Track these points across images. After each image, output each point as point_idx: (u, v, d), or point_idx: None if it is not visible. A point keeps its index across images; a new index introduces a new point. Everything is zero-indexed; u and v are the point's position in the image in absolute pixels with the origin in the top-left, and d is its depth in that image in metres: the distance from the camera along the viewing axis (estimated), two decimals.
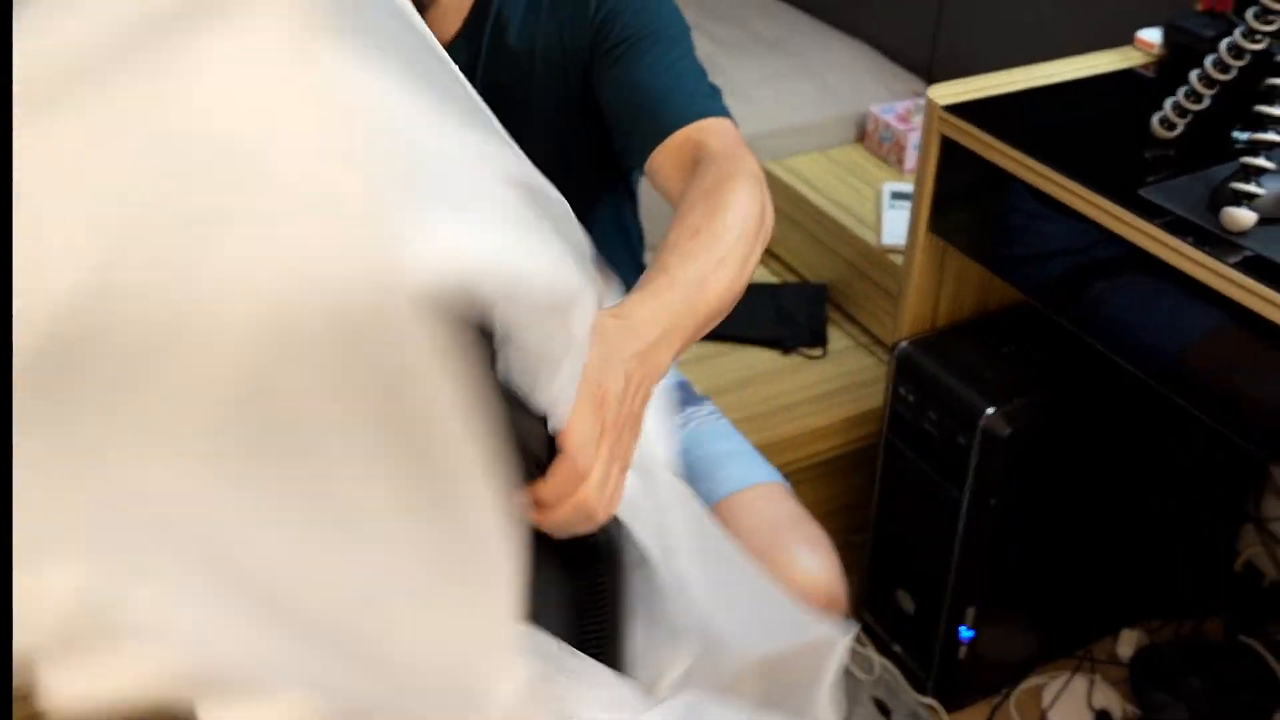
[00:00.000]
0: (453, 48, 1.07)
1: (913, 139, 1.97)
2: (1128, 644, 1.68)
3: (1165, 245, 1.10)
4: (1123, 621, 1.73)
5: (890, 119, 2.02)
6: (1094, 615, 1.71)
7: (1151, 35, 1.48)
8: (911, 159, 1.98)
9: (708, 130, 0.99)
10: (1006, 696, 1.63)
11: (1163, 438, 1.56)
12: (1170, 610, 1.74)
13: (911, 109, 2.04)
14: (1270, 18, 1.09)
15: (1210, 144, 1.23)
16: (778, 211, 1.92)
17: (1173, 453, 1.60)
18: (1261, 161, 1.06)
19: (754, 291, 1.85)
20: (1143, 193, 1.16)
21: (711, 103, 1.02)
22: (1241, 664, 1.58)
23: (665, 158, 1.00)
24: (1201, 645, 1.63)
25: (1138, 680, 1.61)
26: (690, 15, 1.16)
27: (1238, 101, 1.19)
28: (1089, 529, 1.57)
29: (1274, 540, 1.74)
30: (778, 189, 1.97)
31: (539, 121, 1.12)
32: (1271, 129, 1.06)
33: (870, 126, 2.06)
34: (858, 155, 2.06)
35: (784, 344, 1.82)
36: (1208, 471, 1.67)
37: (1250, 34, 1.12)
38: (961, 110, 1.34)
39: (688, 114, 1.00)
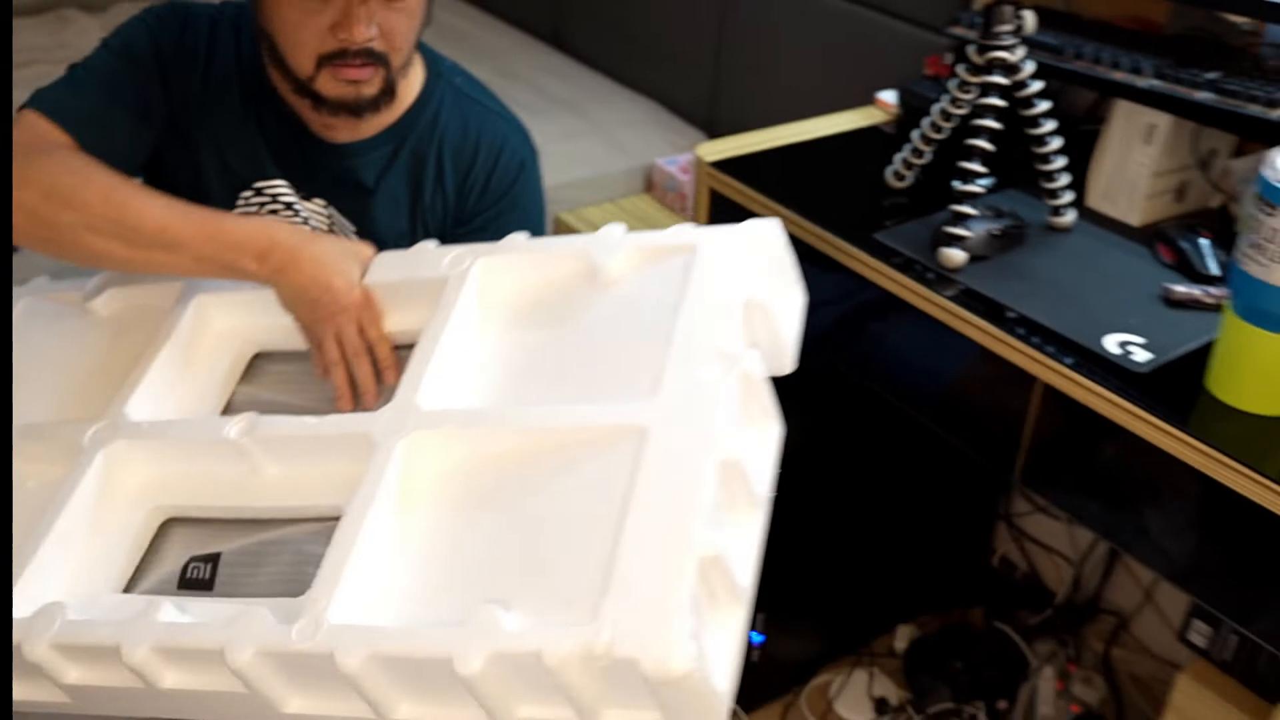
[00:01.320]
0: (368, 142, 1.19)
1: (694, 183, 2.14)
2: (903, 638, 1.87)
3: (896, 282, 1.28)
4: (898, 618, 1.91)
5: (674, 170, 2.19)
6: (872, 615, 1.89)
7: (889, 96, 1.69)
8: None
9: None
10: (798, 694, 1.79)
11: (919, 449, 1.75)
12: (938, 605, 1.94)
13: (694, 161, 2.21)
14: (968, 88, 1.29)
15: (934, 192, 1.42)
16: None
17: (930, 462, 1.79)
18: (967, 209, 1.25)
19: None
20: (877, 236, 1.33)
21: None
22: (996, 647, 1.79)
23: None
24: (963, 633, 1.83)
25: (910, 669, 1.80)
26: (486, 77, 1.29)
27: (955, 154, 1.39)
28: (862, 536, 1.75)
29: (1023, 536, 1.96)
30: None
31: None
32: (972, 182, 1.25)
33: (656, 177, 2.22)
34: (646, 204, 2.22)
35: None
36: (963, 477, 1.88)
37: (954, 101, 1.32)
38: (726, 166, 1.50)
39: None
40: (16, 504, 1.01)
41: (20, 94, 1.12)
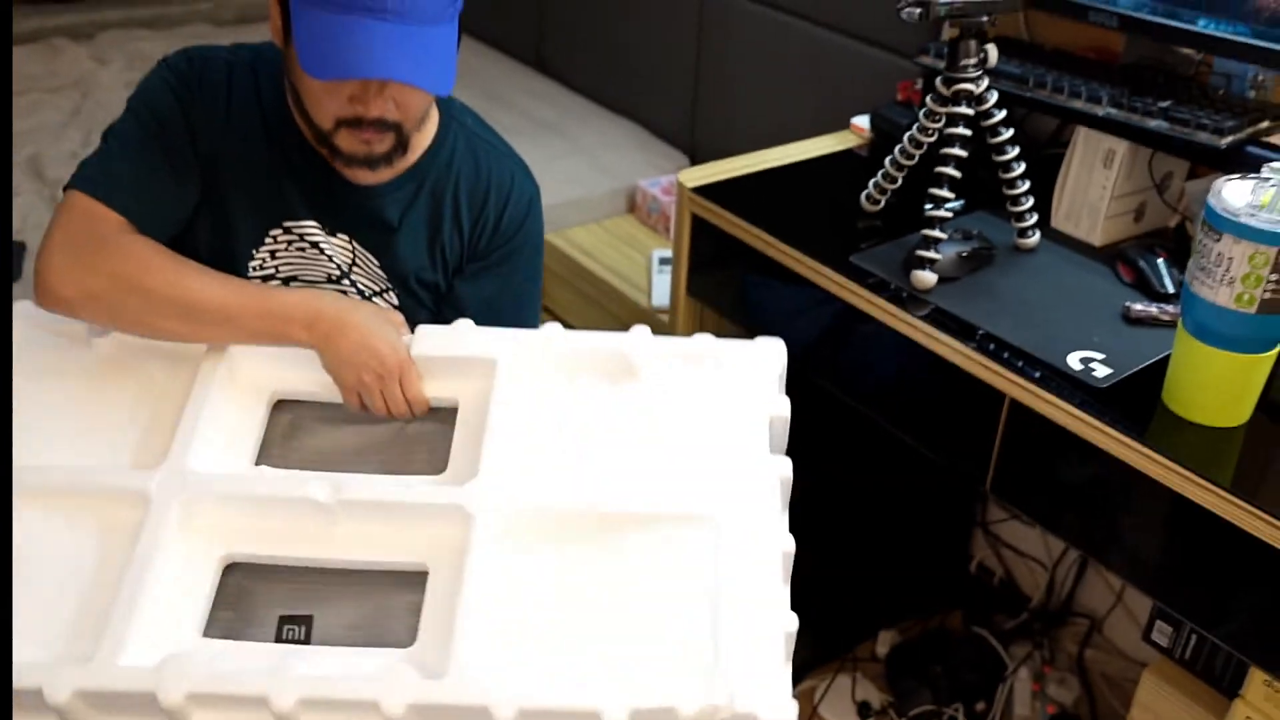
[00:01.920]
0: (391, 184, 1.25)
1: (676, 208, 2.20)
2: (885, 643, 1.93)
3: (871, 303, 1.34)
4: (880, 624, 1.97)
5: (656, 192, 2.25)
6: (855, 621, 1.95)
7: (863, 121, 1.76)
8: None
9: None
10: None
11: (898, 461, 1.81)
12: (919, 610, 2.00)
13: (676, 182, 2.27)
14: (936, 117, 1.35)
15: (906, 216, 1.48)
16: (558, 278, 2.15)
17: (909, 473, 1.86)
18: (936, 233, 1.32)
19: None
20: (853, 259, 1.40)
21: None
22: (974, 650, 1.85)
23: None
24: (943, 637, 1.89)
25: (892, 673, 1.86)
26: (473, 101, 1.35)
27: (925, 179, 1.45)
28: (845, 545, 1.80)
29: (999, 543, 2.03)
30: (557, 257, 2.16)
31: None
32: (941, 207, 1.32)
33: (639, 199, 2.28)
34: (629, 225, 2.28)
35: None
36: (941, 487, 1.94)
37: (923, 129, 1.38)
38: (707, 191, 1.56)
39: None
40: (83, 550, 1.03)
41: (21, 125, 1.16)
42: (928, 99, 1.36)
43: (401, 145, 1.18)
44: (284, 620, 1.04)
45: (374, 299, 1.30)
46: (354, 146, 1.16)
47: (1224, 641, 1.09)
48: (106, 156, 1.19)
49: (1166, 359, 1.17)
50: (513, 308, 1.34)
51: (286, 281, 1.28)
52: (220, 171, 1.22)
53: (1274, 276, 1.00)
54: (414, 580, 1.04)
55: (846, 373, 1.46)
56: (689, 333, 1.67)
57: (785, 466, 1.11)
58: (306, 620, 1.04)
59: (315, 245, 1.26)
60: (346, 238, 1.27)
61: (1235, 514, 1.03)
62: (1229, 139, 1.26)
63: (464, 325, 1.20)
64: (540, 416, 1.13)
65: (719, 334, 1.70)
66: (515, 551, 1.03)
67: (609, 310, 2.08)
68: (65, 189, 1.17)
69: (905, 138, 1.42)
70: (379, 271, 1.28)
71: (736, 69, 2.29)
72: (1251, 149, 1.27)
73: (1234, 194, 1.03)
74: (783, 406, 1.16)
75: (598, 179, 2.32)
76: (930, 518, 1.98)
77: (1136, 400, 1.15)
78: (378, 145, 1.16)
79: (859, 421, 1.59)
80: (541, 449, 1.10)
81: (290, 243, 1.26)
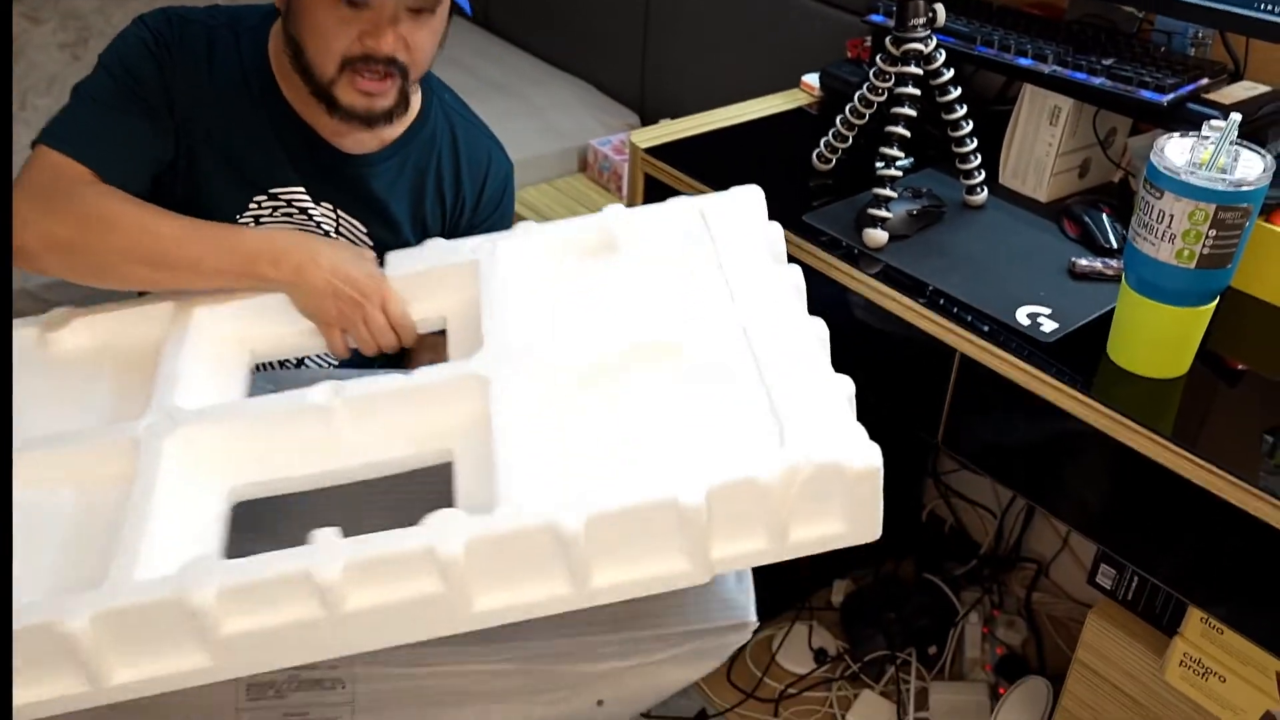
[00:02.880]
0: (378, 155, 1.25)
1: (628, 168, 2.20)
2: (839, 592, 1.97)
3: (823, 261, 1.36)
4: (835, 574, 2.02)
5: (608, 150, 2.25)
6: (811, 571, 1.99)
7: (813, 80, 1.77)
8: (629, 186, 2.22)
9: None
10: (742, 650, 1.88)
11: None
12: (872, 559, 2.05)
13: (626, 141, 2.27)
14: (885, 76, 1.37)
15: (857, 174, 1.50)
16: None
17: (864, 423, 1.89)
18: (887, 192, 1.34)
19: None
20: (805, 218, 1.42)
21: None
22: (926, 597, 1.90)
23: None
24: (896, 584, 1.94)
25: (846, 620, 1.90)
26: None
27: (876, 137, 1.47)
28: None
29: (950, 492, 2.08)
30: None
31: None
32: (892, 165, 1.34)
33: (591, 158, 2.28)
34: (580, 184, 2.29)
35: None
36: (892, 438, 1.98)
37: (873, 88, 1.40)
38: (658, 151, 1.57)
39: None
40: (84, 508, 0.97)
41: None
42: (877, 58, 1.37)
43: (403, 101, 1.17)
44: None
45: None
46: (354, 99, 1.14)
47: (1164, 583, 1.14)
48: (74, 111, 1.16)
49: (1111, 313, 1.20)
50: None
51: None
52: (198, 136, 1.20)
53: (1213, 232, 1.03)
54: (445, 490, 0.98)
55: None
56: None
57: (793, 273, 1.12)
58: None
59: (303, 211, 1.25)
60: (330, 206, 1.26)
61: (1175, 461, 1.07)
62: (1170, 96, 1.29)
63: (434, 243, 1.19)
64: (535, 300, 1.10)
65: None
66: (543, 406, 0.98)
67: None
68: (33, 144, 1.15)
69: (855, 97, 1.44)
70: (365, 240, 1.28)
71: (686, 27, 2.28)
72: (1192, 106, 1.31)
73: (1175, 152, 1.06)
74: (776, 233, 1.18)
75: (548, 139, 2.31)
76: (884, 465, 2.02)
77: (1082, 354, 1.18)
78: (379, 99, 1.14)
79: None
80: (547, 320, 1.08)
81: (276, 208, 1.25)
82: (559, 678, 1.06)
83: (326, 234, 1.27)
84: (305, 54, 1.14)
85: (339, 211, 1.26)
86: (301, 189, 1.24)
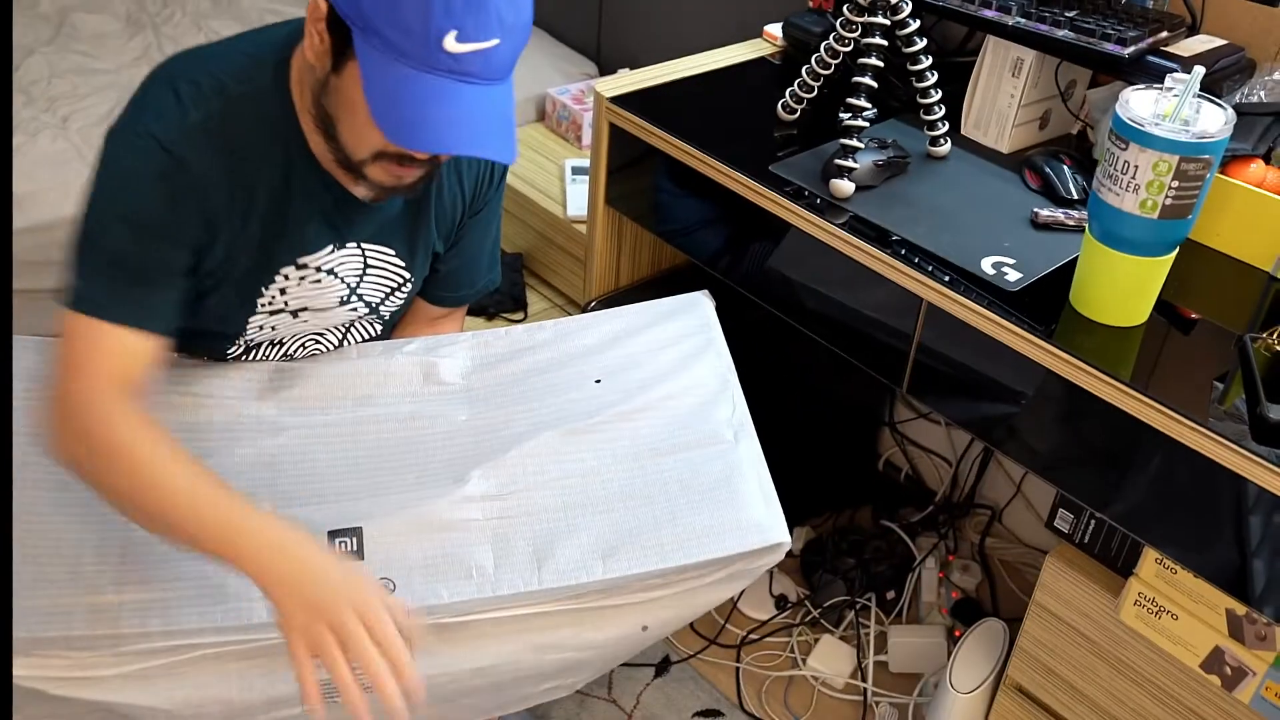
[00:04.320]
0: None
1: (587, 118, 2.19)
2: (798, 539, 2.01)
3: (790, 211, 1.37)
4: (794, 522, 2.04)
5: (566, 100, 2.23)
6: None
7: (776, 29, 1.77)
8: (588, 136, 2.20)
9: None
10: None
11: (812, 362, 1.87)
12: (830, 506, 2.08)
13: (585, 90, 2.26)
14: (851, 27, 1.37)
15: (822, 125, 1.51)
16: None
17: (822, 374, 1.92)
18: (854, 143, 1.35)
19: None
20: (772, 168, 1.42)
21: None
22: (884, 543, 1.94)
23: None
24: (854, 532, 1.97)
25: (806, 566, 1.94)
26: None
27: (840, 88, 1.48)
28: (761, 445, 1.86)
29: (906, 441, 2.11)
30: None
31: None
32: (859, 116, 1.34)
33: (549, 108, 2.26)
34: (539, 134, 2.26)
35: (488, 311, 2.01)
36: (852, 388, 2.01)
37: (840, 39, 1.40)
38: (624, 101, 1.56)
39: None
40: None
41: None
42: (844, 9, 1.37)
43: (428, 176, 1.10)
44: (333, 534, 1.08)
45: (389, 298, 1.28)
46: (386, 179, 1.08)
47: (1121, 524, 1.17)
48: (96, 274, 1.06)
49: (1073, 263, 1.22)
50: (497, 243, 1.37)
51: (296, 312, 1.22)
52: (222, 235, 1.10)
53: (1176, 183, 1.05)
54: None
55: (762, 279, 1.49)
56: (605, 243, 1.70)
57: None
58: (356, 532, 1.08)
59: (330, 272, 1.20)
60: (355, 244, 1.20)
61: (1134, 406, 1.10)
62: (1132, 49, 1.31)
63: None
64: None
65: (635, 243, 1.74)
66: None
67: (525, 222, 2.08)
68: (67, 308, 1.06)
69: (821, 48, 1.44)
70: (396, 262, 1.24)
71: None
72: (1152, 59, 1.33)
73: (1140, 104, 1.08)
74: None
75: None
76: (839, 419, 2.05)
77: (1045, 302, 1.21)
78: (409, 178, 1.08)
79: (769, 328, 1.64)
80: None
81: (303, 278, 1.19)
82: (605, 610, 1.14)
83: (348, 285, 1.22)
84: (338, 133, 1.05)
85: (363, 245, 1.21)
86: (330, 246, 1.18)
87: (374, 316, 1.30)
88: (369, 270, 1.23)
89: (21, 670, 0.99)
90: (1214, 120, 1.06)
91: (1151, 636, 1.22)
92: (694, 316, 1.39)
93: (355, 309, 1.26)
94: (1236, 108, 1.14)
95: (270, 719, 1.08)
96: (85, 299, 1.05)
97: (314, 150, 1.11)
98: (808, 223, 1.35)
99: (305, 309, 1.22)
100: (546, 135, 2.26)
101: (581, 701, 1.74)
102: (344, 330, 1.31)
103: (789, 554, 1.99)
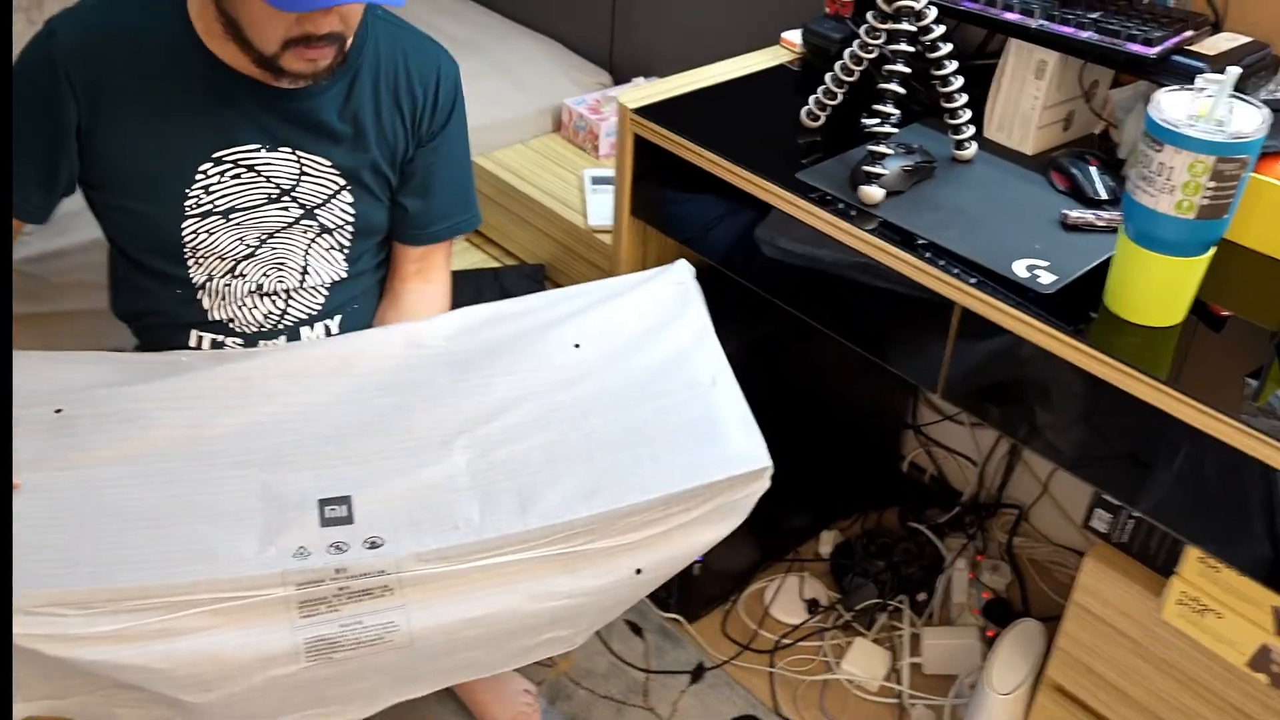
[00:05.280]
0: (324, 83, 1.26)
1: (604, 127, 2.20)
2: (827, 543, 2.01)
3: (820, 218, 1.37)
4: (822, 525, 2.06)
5: (583, 110, 2.24)
6: (799, 523, 2.03)
7: (794, 36, 1.77)
8: (605, 145, 2.21)
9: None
10: (735, 602, 1.92)
11: (835, 367, 1.87)
12: (856, 509, 2.09)
13: (601, 100, 2.26)
14: (877, 34, 1.38)
15: (847, 131, 1.52)
16: (489, 201, 2.21)
17: (845, 378, 1.92)
18: (882, 149, 1.35)
19: (478, 277, 2.03)
20: (799, 175, 1.43)
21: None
22: (912, 545, 1.94)
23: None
24: (882, 534, 1.98)
25: (836, 570, 1.94)
26: None
27: (864, 94, 1.48)
28: (788, 451, 1.86)
29: (930, 442, 2.12)
30: (488, 180, 2.15)
31: None
32: (886, 123, 1.35)
33: (565, 118, 2.27)
34: (556, 144, 2.27)
35: None
36: (875, 391, 2.01)
37: (864, 46, 1.41)
38: (648, 112, 1.57)
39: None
40: None
41: None
42: (869, 16, 1.38)
43: (342, 53, 1.19)
44: (324, 502, 1.12)
45: (327, 203, 1.31)
46: (300, 66, 1.16)
47: (1162, 523, 1.18)
48: None
49: (1104, 263, 1.23)
50: (465, 182, 1.43)
51: (227, 213, 1.27)
52: (120, 131, 1.21)
53: (1212, 184, 1.06)
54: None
55: (789, 285, 1.49)
56: (631, 252, 1.70)
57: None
58: (346, 500, 1.12)
59: (250, 168, 1.25)
60: (289, 149, 1.26)
61: (1172, 405, 1.10)
62: (1158, 49, 1.32)
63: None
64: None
65: (661, 252, 1.76)
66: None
67: (546, 233, 2.09)
68: None
69: (846, 55, 1.44)
70: (332, 171, 1.29)
71: None
72: (1177, 58, 1.33)
73: (1173, 105, 1.08)
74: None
75: (521, 98, 2.29)
76: (862, 421, 2.06)
77: (1079, 304, 1.21)
78: (323, 60, 1.17)
79: (790, 334, 1.65)
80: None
81: (223, 172, 1.25)
82: (595, 554, 1.16)
83: (277, 185, 1.28)
84: (243, 32, 1.15)
85: (299, 152, 1.27)
86: (255, 144, 1.25)
87: (320, 230, 1.32)
88: (304, 176, 1.29)
89: (19, 629, 1.01)
90: (1249, 120, 1.06)
91: (1195, 635, 1.22)
92: (672, 282, 1.42)
93: (287, 209, 1.30)
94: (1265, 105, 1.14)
95: (265, 678, 1.09)
96: None
97: (219, 53, 1.20)
98: (838, 229, 1.36)
99: (234, 209, 1.27)
100: (564, 145, 2.26)
101: (619, 710, 1.74)
102: (304, 256, 1.33)
103: (818, 557, 2.01)
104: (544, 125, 2.31)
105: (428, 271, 1.47)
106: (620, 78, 2.44)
